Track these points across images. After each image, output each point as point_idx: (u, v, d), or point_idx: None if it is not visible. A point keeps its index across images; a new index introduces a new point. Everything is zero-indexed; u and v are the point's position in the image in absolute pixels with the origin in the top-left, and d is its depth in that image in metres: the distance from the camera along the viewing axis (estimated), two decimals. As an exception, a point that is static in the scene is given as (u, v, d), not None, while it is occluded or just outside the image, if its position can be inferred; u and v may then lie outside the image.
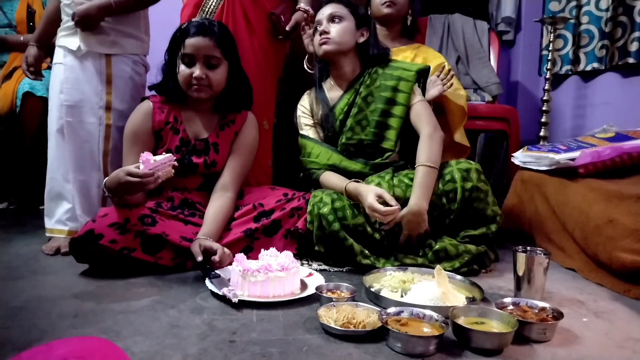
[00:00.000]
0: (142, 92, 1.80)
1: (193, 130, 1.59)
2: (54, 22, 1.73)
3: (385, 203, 1.39)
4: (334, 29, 1.62)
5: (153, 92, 1.65)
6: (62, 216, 1.64)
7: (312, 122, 1.70)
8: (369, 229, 1.45)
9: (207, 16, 1.85)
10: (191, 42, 1.48)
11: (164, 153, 1.37)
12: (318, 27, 1.65)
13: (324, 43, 1.61)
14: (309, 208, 1.48)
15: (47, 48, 1.79)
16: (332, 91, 1.70)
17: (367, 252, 1.44)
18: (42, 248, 1.58)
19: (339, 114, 1.65)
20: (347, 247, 1.42)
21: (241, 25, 1.83)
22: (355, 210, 1.45)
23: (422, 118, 1.58)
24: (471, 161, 1.50)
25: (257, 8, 1.87)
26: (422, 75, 1.67)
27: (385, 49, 1.71)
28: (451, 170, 1.48)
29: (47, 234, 1.66)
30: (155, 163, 1.33)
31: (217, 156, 1.59)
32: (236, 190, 1.59)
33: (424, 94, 1.70)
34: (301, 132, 1.72)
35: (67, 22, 1.66)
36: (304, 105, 1.73)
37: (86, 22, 1.59)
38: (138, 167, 1.32)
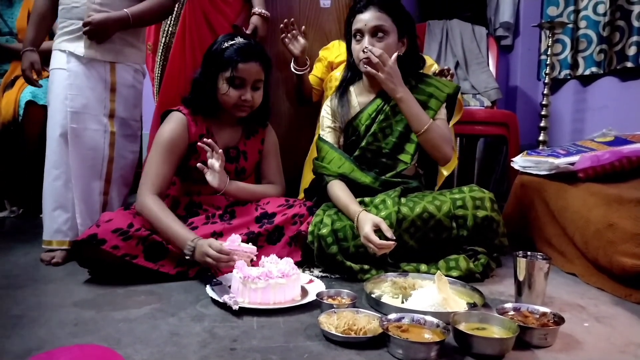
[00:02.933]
0: (141, 100, 1.80)
1: (223, 140, 1.62)
2: (46, 21, 1.68)
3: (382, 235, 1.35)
4: (378, 47, 1.49)
5: (149, 101, 1.66)
6: (62, 226, 1.58)
7: (334, 124, 1.68)
8: (369, 249, 1.42)
9: (172, 22, 1.88)
10: (245, 67, 1.49)
11: (250, 244, 1.35)
12: (358, 36, 1.56)
13: (368, 63, 1.49)
14: (310, 228, 1.47)
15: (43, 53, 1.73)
16: (362, 95, 1.66)
17: (366, 266, 1.42)
18: (41, 257, 1.57)
19: (366, 119, 1.62)
20: (346, 267, 1.42)
21: (205, 33, 1.86)
22: (356, 230, 1.43)
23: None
24: (484, 189, 1.49)
25: (218, 14, 1.90)
26: (451, 98, 1.63)
27: (421, 59, 1.66)
28: (463, 196, 1.46)
29: (45, 246, 1.57)
30: (237, 247, 1.31)
31: (245, 163, 1.65)
32: (281, 183, 1.73)
33: (449, 114, 1.68)
34: (321, 133, 1.70)
35: (70, 25, 1.61)
36: (329, 106, 1.70)
37: (100, 33, 1.56)
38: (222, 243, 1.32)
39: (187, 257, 1.34)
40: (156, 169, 1.50)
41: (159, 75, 1.99)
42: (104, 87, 1.64)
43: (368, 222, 1.37)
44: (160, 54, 1.98)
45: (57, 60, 1.63)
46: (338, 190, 1.54)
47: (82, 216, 1.59)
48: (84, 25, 1.55)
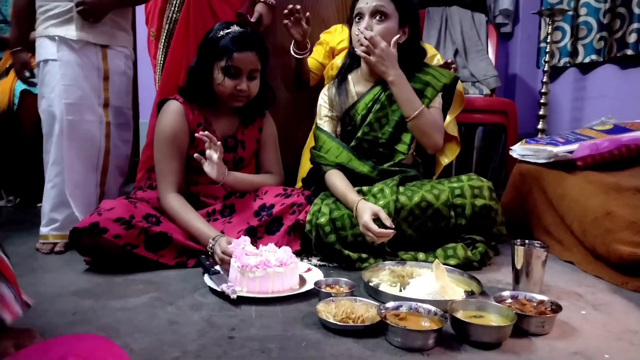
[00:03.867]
0: (131, 86, 1.78)
1: (221, 130, 1.61)
2: (26, 17, 1.63)
3: (381, 224, 1.35)
4: (376, 29, 1.50)
5: (150, 88, 1.64)
6: (64, 221, 1.57)
7: (331, 113, 1.66)
8: (368, 237, 1.42)
9: (176, 9, 1.87)
10: (240, 56, 1.48)
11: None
12: (358, 18, 1.55)
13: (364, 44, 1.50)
14: (308, 217, 1.46)
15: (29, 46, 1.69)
16: (360, 85, 1.64)
17: (364, 255, 1.43)
18: (37, 246, 1.57)
19: (362, 109, 1.60)
20: (344, 256, 1.42)
21: (209, 20, 1.85)
22: (354, 219, 1.43)
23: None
24: (483, 178, 1.48)
25: (222, 2, 1.89)
26: (448, 88, 1.62)
27: (423, 51, 1.65)
28: (462, 185, 1.45)
29: (43, 241, 1.56)
30: (241, 250, 1.29)
31: (243, 152, 1.64)
32: (280, 172, 1.72)
33: (448, 105, 1.68)
34: (318, 122, 1.69)
35: (55, 7, 1.55)
36: (326, 94, 1.68)
37: (95, 12, 1.53)
38: (230, 242, 1.32)
39: (210, 254, 1.37)
40: (168, 166, 1.51)
41: (161, 62, 1.97)
42: (97, 75, 1.62)
43: (367, 210, 1.37)
44: (163, 40, 1.96)
45: (46, 49, 1.57)
46: (336, 179, 1.54)
47: (79, 209, 1.58)
48: (78, 5, 1.51)
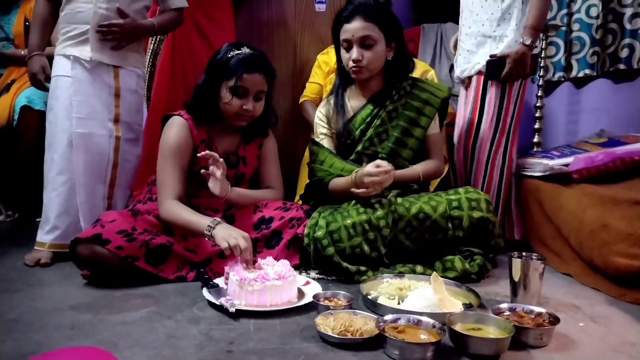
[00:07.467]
0: (143, 105, 1.83)
1: (223, 146, 1.62)
2: (48, 25, 1.70)
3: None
4: (366, 56, 1.55)
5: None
6: (66, 230, 1.59)
7: (328, 130, 1.69)
8: (366, 248, 1.43)
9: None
10: (250, 78, 1.50)
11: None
12: (345, 44, 1.58)
13: (357, 72, 1.57)
14: (306, 231, 1.47)
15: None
16: (354, 100, 1.68)
17: (363, 268, 1.43)
18: (25, 258, 1.57)
19: (360, 123, 1.64)
20: (343, 269, 1.42)
21: (195, 39, 1.89)
22: (351, 231, 1.43)
23: (435, 149, 1.68)
24: (480, 191, 1.51)
25: (209, 22, 1.95)
26: (445, 102, 1.67)
27: (410, 61, 1.69)
28: (459, 197, 1.47)
29: (40, 247, 1.58)
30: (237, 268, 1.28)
31: (245, 169, 1.66)
32: (281, 188, 1.72)
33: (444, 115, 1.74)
34: (316, 139, 1.71)
35: (73, 29, 1.62)
36: (322, 112, 1.72)
37: (128, 38, 1.63)
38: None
39: (208, 238, 1.37)
40: (169, 175, 1.51)
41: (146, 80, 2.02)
42: (108, 92, 1.66)
43: (369, 165, 1.44)
44: (148, 60, 2.00)
45: (61, 66, 1.64)
46: (339, 180, 1.57)
47: (86, 220, 1.60)
48: (111, 27, 1.58)
